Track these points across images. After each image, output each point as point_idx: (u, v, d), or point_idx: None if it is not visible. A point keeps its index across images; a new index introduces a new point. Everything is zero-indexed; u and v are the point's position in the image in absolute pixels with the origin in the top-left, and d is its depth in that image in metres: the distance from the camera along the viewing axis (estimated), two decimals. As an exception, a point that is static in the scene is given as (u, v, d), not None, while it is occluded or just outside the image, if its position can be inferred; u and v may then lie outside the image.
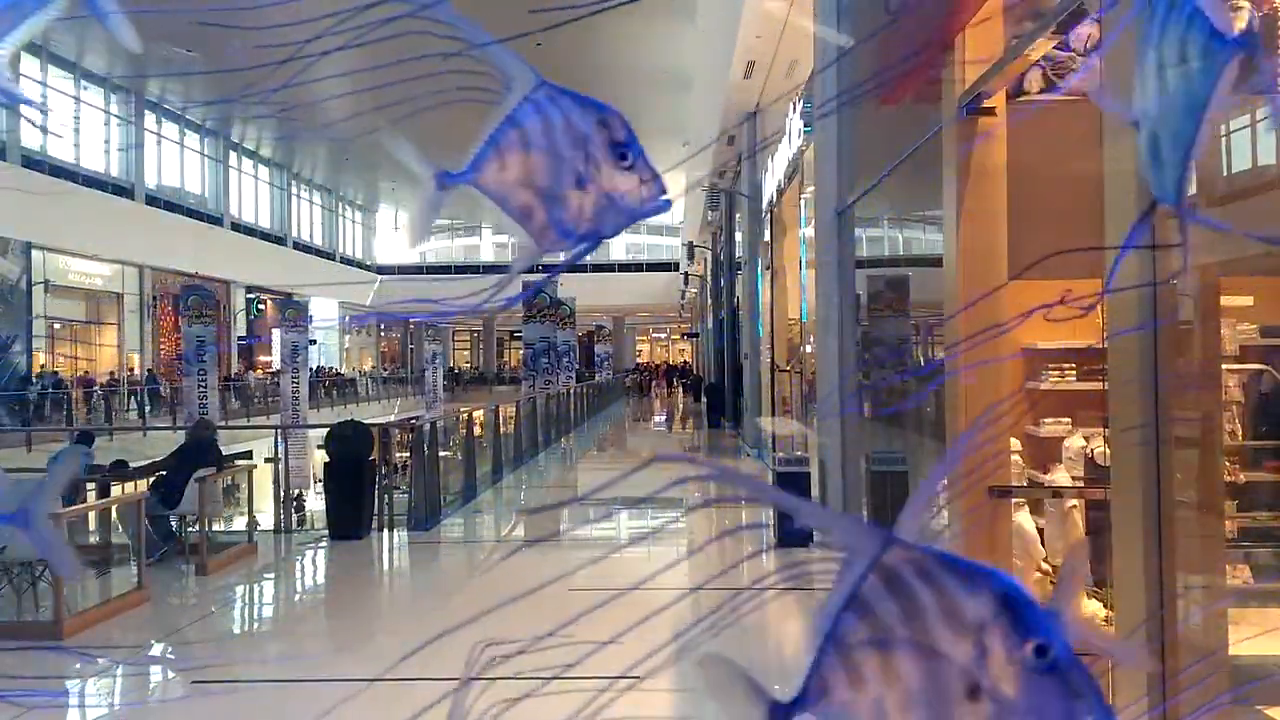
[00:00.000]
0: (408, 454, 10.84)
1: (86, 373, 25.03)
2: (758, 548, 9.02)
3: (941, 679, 0.74)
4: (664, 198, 0.92)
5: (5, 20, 0.65)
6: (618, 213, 0.91)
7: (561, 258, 1.02)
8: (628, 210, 0.91)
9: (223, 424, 20.11)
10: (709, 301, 31.25)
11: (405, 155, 1.00)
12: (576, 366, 29.60)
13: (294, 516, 11.50)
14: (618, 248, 55.14)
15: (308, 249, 42.06)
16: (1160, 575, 2.83)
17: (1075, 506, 5.33)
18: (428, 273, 51.80)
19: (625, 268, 52.85)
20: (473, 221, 54.48)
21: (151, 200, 29.63)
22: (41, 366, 23.26)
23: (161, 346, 29.45)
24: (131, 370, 26.79)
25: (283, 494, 10.16)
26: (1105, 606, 4.94)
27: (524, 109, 0.92)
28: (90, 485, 9.23)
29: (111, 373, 26.20)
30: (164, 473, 8.30)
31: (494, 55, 0.92)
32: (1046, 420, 5.63)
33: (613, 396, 36.73)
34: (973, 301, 4.60)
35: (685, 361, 54.19)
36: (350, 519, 9.08)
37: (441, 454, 11.00)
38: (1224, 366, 4.24)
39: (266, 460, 10.44)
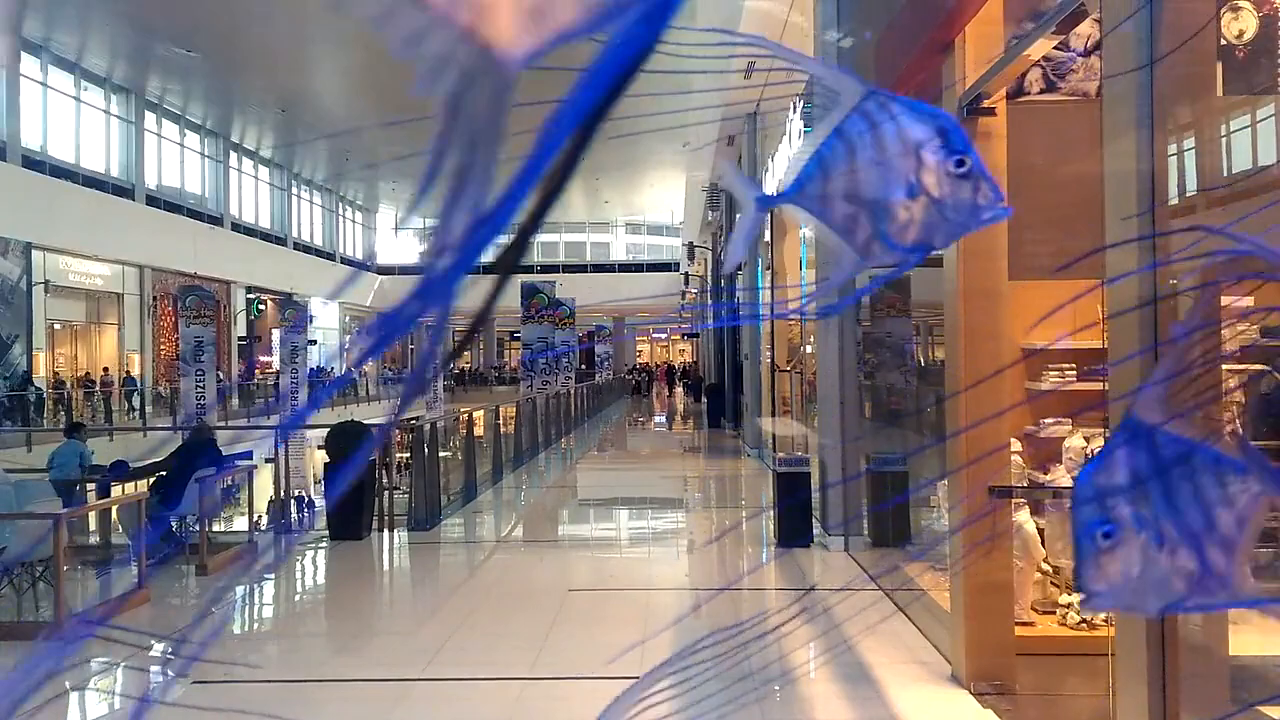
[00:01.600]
0: (408, 454, 10.83)
1: (57, 374, 24.72)
2: (759, 549, 9.03)
3: None
4: (1001, 205, 0.89)
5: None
6: (951, 222, 0.88)
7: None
8: (963, 220, 0.87)
9: (222, 424, 20.14)
10: (709, 302, 31.24)
11: (730, 178, 1.00)
12: (578, 366, 29.58)
13: (302, 515, 11.51)
14: (618, 248, 55.19)
15: (308, 249, 42.08)
16: (1160, 575, 2.82)
17: (1075, 507, 5.32)
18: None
19: (625, 268, 52.86)
20: (473, 222, 54.44)
21: (151, 200, 29.65)
22: (11, 370, 22.95)
23: (162, 347, 29.46)
24: (106, 371, 26.57)
25: (283, 494, 10.16)
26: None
27: (852, 120, 0.89)
28: (90, 485, 9.24)
29: (87, 373, 26.00)
30: (164, 473, 8.30)
31: (819, 70, 0.90)
32: (1046, 420, 5.64)
33: (612, 397, 36.73)
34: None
35: (686, 362, 54.11)
36: (350, 519, 9.08)
37: (441, 454, 11.00)
38: (1224, 366, 4.24)
39: (266, 460, 10.44)
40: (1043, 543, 5.40)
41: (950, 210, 0.87)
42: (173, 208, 30.80)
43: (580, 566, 8.45)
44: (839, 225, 0.91)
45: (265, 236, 37.96)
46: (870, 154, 0.87)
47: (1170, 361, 0.86)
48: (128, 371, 26.95)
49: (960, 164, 0.86)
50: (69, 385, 24.05)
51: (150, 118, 30.21)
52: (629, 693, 0.82)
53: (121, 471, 8.94)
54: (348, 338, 46.01)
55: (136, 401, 26.19)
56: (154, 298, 29.10)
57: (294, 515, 10.30)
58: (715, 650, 0.83)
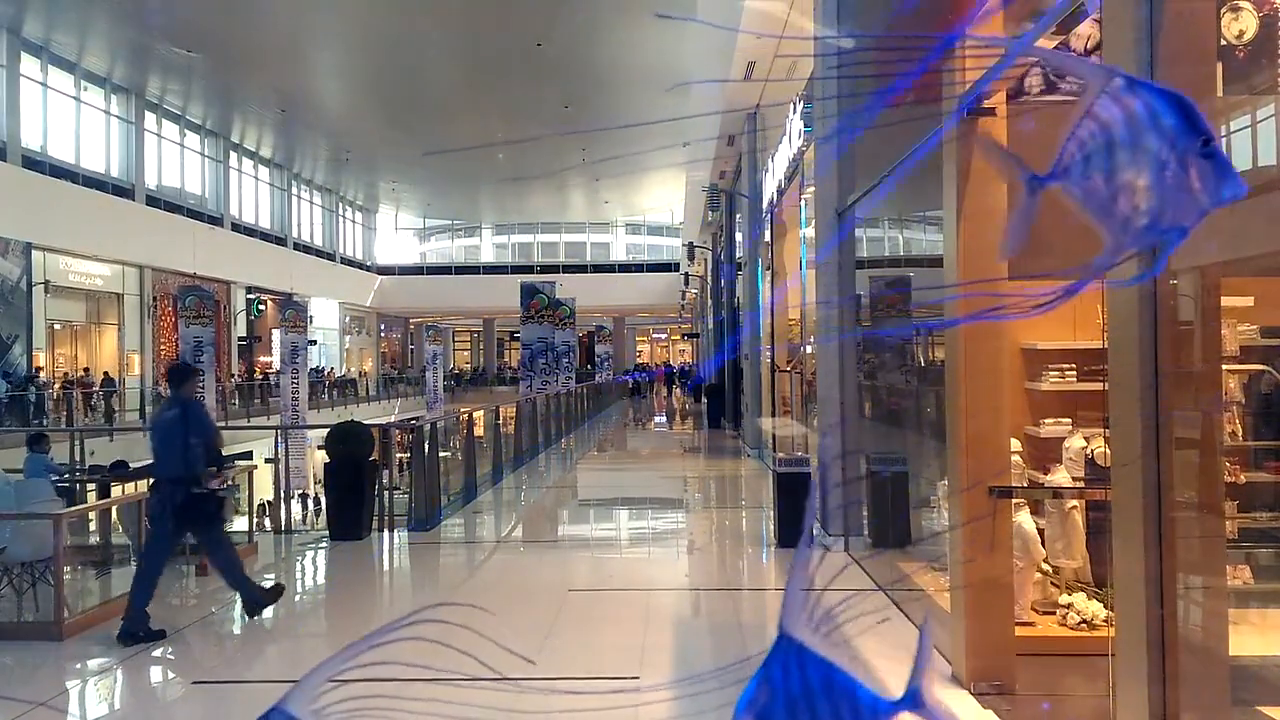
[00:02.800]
0: (408, 454, 10.84)
1: (38, 372, 24.22)
2: (759, 549, 9.03)
3: None
4: (1241, 183, 0.89)
5: None
6: (1199, 203, 0.88)
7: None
8: (1210, 199, 0.88)
9: (222, 424, 20.13)
10: (709, 302, 31.27)
11: (993, 156, 1.02)
12: (576, 366, 29.57)
13: (311, 510, 11.54)
14: (618, 248, 55.18)
15: (308, 249, 42.10)
16: (1160, 575, 2.83)
17: (1075, 507, 5.33)
18: (428, 273, 51.89)
19: (625, 268, 52.89)
20: (473, 222, 54.57)
21: (151, 200, 29.65)
22: (12, 370, 22.61)
23: (162, 347, 29.45)
24: (87, 371, 26.13)
25: (283, 494, 10.16)
26: (1105, 606, 4.94)
27: (1103, 103, 0.91)
28: (90, 485, 9.25)
29: (66, 373, 25.64)
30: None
31: (1066, 62, 0.98)
32: (1046, 420, 5.64)
33: (612, 398, 36.72)
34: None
35: (687, 363, 54.06)
36: (350, 519, 9.08)
37: (441, 454, 11.00)
38: (1224, 367, 4.24)
39: (266, 461, 10.44)
40: (1043, 543, 5.40)
41: (1198, 189, 0.88)
42: (173, 208, 30.80)
43: (580, 566, 8.44)
44: (1099, 207, 0.93)
45: (265, 236, 37.97)
46: (1126, 136, 0.89)
47: (802, 573, 0.82)
48: (106, 373, 26.42)
49: (1206, 144, 0.87)
50: (54, 386, 23.71)
51: (150, 118, 30.21)
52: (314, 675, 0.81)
53: (122, 471, 8.95)
54: (348, 338, 45.92)
55: (128, 403, 26.10)
56: (154, 298, 29.10)
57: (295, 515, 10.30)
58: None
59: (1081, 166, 0.93)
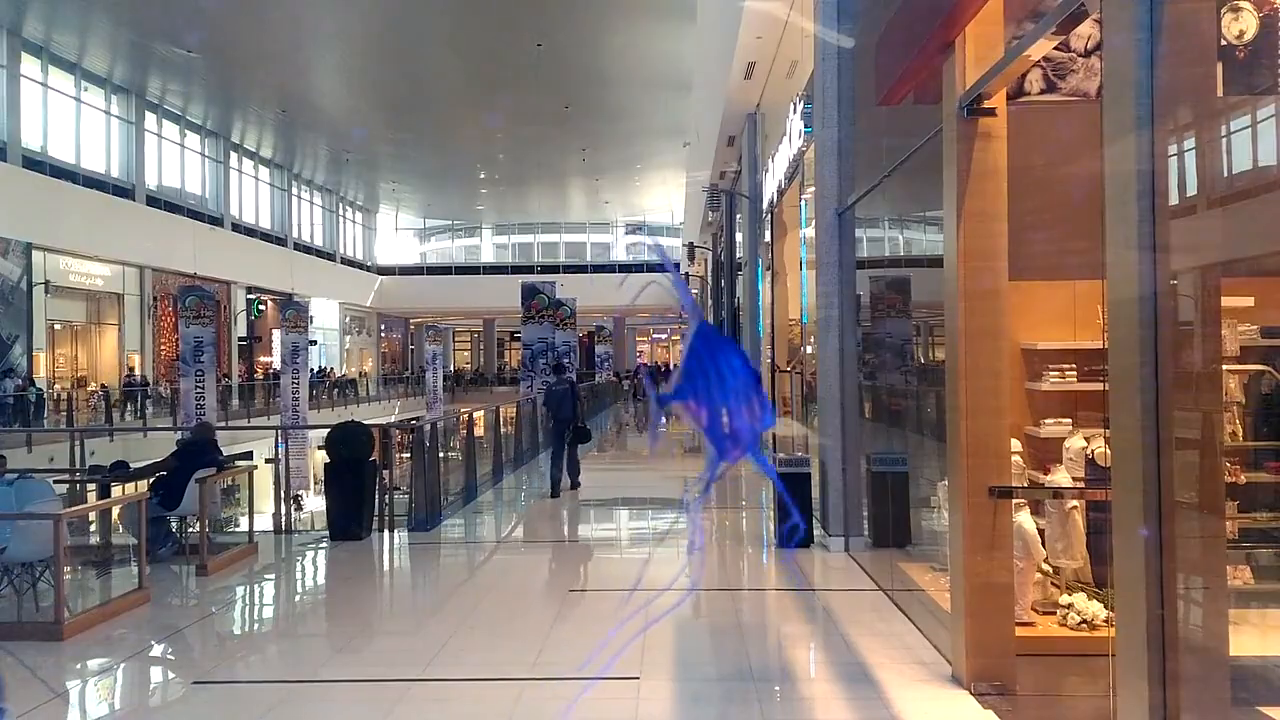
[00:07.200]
0: (408, 454, 10.84)
1: (29, 376, 23.31)
2: (758, 549, 9.03)
3: None
4: None
5: None
6: None
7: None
8: None
9: (222, 425, 20.13)
10: (709, 302, 31.26)
11: None
12: (578, 367, 29.56)
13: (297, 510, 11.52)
14: (618, 248, 55.18)
15: (308, 249, 42.09)
16: (1160, 575, 2.83)
17: (1076, 507, 5.33)
18: (428, 273, 51.90)
19: (625, 268, 52.90)
20: (473, 222, 54.56)
21: (152, 200, 29.65)
22: (11, 370, 22.09)
23: (162, 347, 29.45)
24: (32, 382, 25.41)
25: (283, 494, 10.15)
26: (1106, 606, 4.94)
27: None
28: (90, 486, 9.25)
29: (33, 376, 25.28)
30: (164, 474, 8.30)
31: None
32: (1047, 421, 5.64)
33: (612, 398, 36.70)
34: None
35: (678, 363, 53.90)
36: (350, 519, 9.08)
37: (441, 454, 10.99)
38: (1224, 367, 4.25)
39: (267, 461, 10.43)
40: (1043, 543, 5.40)
41: None
42: (173, 208, 30.80)
43: (580, 566, 8.43)
44: None
45: (265, 236, 37.97)
46: None
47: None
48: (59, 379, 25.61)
49: None
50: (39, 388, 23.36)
51: (150, 118, 30.21)
52: None
53: (122, 471, 8.94)
54: (348, 338, 45.91)
55: (142, 403, 26.09)
56: (154, 298, 29.10)
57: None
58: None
59: None
